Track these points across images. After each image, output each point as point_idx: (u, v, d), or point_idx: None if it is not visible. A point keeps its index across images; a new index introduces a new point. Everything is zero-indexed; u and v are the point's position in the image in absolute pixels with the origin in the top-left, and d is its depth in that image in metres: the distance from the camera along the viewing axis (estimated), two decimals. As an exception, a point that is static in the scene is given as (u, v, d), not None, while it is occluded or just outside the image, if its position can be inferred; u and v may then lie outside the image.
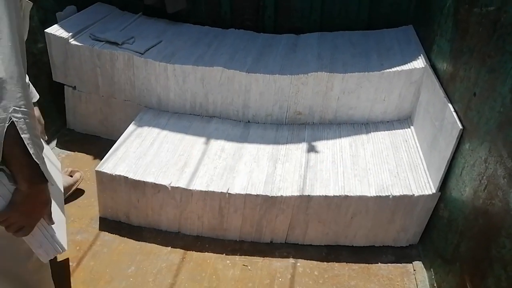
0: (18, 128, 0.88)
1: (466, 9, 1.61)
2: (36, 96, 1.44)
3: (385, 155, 1.97)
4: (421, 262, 1.81)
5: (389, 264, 1.84)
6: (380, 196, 1.75)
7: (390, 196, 1.75)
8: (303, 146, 2.08)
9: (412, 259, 1.84)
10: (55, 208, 1.18)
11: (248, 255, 1.90)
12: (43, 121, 1.53)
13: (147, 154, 2.00)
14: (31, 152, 0.90)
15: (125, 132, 2.13)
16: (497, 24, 1.35)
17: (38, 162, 0.93)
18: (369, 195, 1.76)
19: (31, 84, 1.37)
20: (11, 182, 0.96)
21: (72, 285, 1.72)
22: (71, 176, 2.12)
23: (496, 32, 1.35)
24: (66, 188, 2.03)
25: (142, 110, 2.30)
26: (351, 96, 2.14)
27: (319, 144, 2.09)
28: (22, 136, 0.89)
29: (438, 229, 1.71)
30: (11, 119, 0.86)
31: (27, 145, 0.90)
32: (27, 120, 0.90)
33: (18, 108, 0.88)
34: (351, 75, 2.08)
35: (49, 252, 1.17)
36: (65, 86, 2.42)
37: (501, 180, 1.19)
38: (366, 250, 1.90)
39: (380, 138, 2.09)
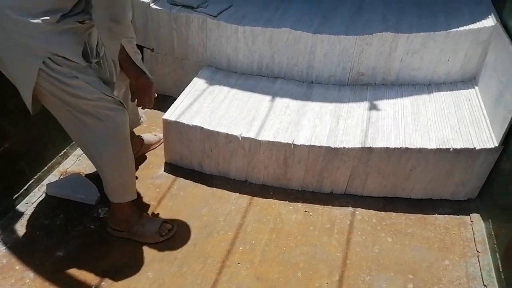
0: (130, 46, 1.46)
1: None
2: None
3: (446, 113, 2.01)
4: (478, 214, 1.88)
5: (446, 215, 1.92)
6: (440, 148, 1.82)
7: (451, 149, 1.82)
8: (365, 104, 2.17)
9: (469, 212, 1.91)
10: None
11: (310, 203, 2.05)
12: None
13: (219, 109, 2.19)
14: (133, 59, 1.48)
15: (189, 86, 2.36)
16: None
17: (138, 64, 1.51)
18: (429, 147, 1.83)
19: None
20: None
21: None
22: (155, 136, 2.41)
23: None
24: (149, 145, 2.35)
25: (203, 67, 2.50)
26: (414, 57, 2.19)
27: (381, 103, 2.17)
28: (132, 51, 1.47)
29: (498, 182, 1.76)
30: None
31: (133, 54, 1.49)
32: (134, 42, 1.48)
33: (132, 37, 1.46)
34: (416, 35, 2.12)
35: None
36: (144, 48, 2.66)
37: None
38: (424, 203, 1.99)
39: (443, 98, 2.13)
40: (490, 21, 2.03)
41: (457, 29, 2.06)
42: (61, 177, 2.15)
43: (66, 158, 2.25)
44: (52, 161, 2.16)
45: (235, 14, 2.43)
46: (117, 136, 1.59)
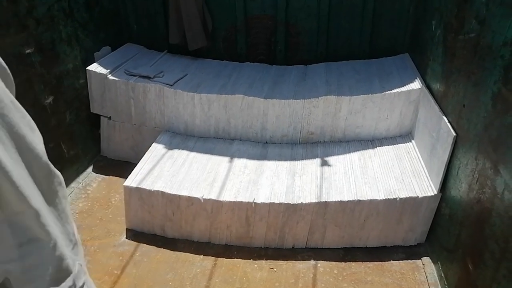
0: None
1: (453, 37, 1.91)
2: None
3: (390, 165, 2.22)
4: (428, 257, 2.03)
5: (401, 261, 2.05)
6: (388, 199, 1.99)
7: (397, 199, 1.99)
8: (317, 161, 2.34)
9: (420, 256, 2.06)
10: None
11: (273, 260, 2.11)
12: None
13: (179, 172, 2.26)
14: None
15: (148, 151, 2.41)
16: (477, 47, 1.65)
17: None
18: (379, 198, 2.00)
19: None
20: None
21: (118, 289, 1.93)
22: None
23: (477, 54, 1.64)
24: None
25: (161, 132, 2.59)
26: (357, 116, 2.42)
27: (331, 159, 2.35)
28: None
29: (441, 226, 1.94)
30: None
31: None
32: None
33: None
34: (357, 97, 2.36)
35: None
36: (101, 117, 2.71)
37: (489, 171, 1.44)
38: (379, 250, 2.12)
39: (385, 151, 2.35)
40: (417, 84, 2.33)
41: (391, 91, 2.34)
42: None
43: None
44: None
45: (191, 83, 2.58)
46: None
